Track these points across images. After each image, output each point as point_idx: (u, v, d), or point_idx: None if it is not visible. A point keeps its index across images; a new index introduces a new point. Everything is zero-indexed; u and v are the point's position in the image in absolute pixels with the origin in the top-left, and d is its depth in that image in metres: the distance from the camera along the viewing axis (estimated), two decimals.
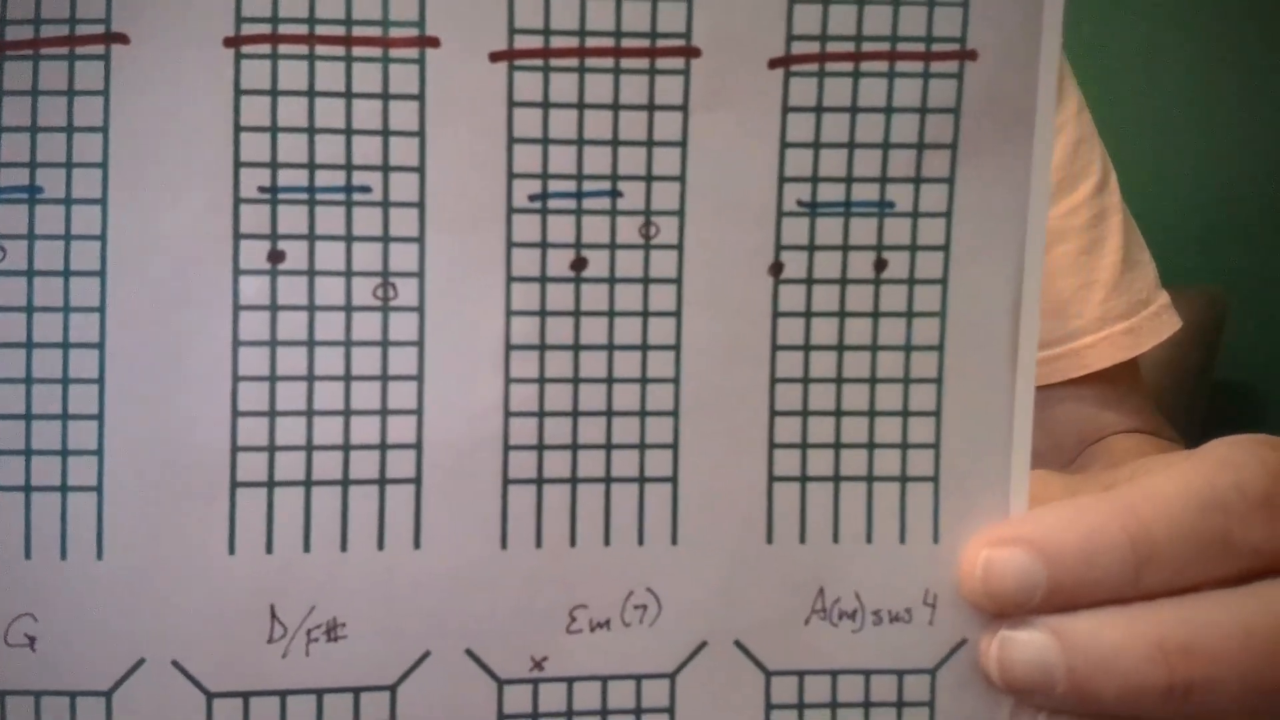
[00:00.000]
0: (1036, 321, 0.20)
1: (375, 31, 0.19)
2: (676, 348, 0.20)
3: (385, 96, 0.19)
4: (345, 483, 0.19)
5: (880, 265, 0.20)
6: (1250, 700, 0.18)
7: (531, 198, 0.19)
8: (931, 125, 0.20)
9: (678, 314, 0.20)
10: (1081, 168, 0.48)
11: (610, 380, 0.20)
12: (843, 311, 0.20)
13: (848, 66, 0.20)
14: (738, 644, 0.20)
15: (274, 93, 0.19)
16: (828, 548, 0.20)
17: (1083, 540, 0.19)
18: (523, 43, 0.19)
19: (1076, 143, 0.48)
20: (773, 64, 0.20)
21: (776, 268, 0.20)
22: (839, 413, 0.20)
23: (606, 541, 0.20)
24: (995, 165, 0.20)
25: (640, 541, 0.20)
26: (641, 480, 0.20)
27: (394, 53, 0.19)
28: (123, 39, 0.19)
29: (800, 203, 0.20)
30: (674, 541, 0.20)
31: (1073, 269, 0.47)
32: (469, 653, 0.19)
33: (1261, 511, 0.19)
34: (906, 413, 0.20)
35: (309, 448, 0.19)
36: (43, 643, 0.19)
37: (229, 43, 0.19)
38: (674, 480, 0.20)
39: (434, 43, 0.19)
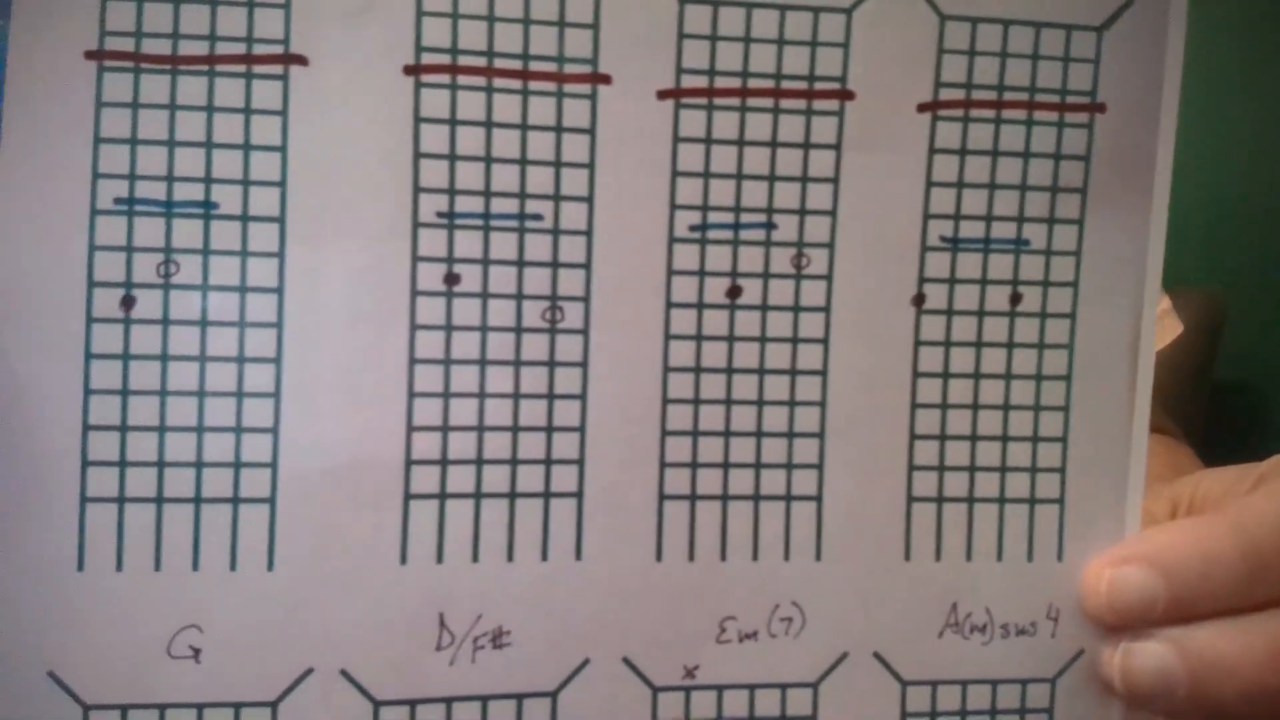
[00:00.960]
0: (1152, 355, 0.22)
1: (551, 66, 0.20)
2: (824, 373, 0.21)
3: (559, 129, 0.20)
4: (512, 496, 0.21)
5: (1015, 299, 0.22)
6: None
7: (691, 228, 0.21)
8: (1064, 171, 0.22)
9: (825, 341, 0.21)
10: None
11: (760, 402, 0.21)
12: (979, 341, 0.22)
13: (990, 114, 0.21)
14: (876, 655, 0.22)
15: (453, 122, 0.20)
16: (961, 565, 0.22)
17: (1199, 557, 0.21)
18: (689, 82, 0.20)
19: None
20: (921, 108, 0.21)
21: (919, 299, 0.22)
22: (974, 437, 0.22)
23: (755, 556, 0.21)
24: (1120, 209, 0.22)
25: (786, 557, 0.21)
26: (788, 498, 0.21)
27: (568, 88, 0.20)
28: (301, 60, 0.20)
29: (943, 238, 0.22)
30: (818, 557, 0.21)
31: None
32: (626, 661, 0.21)
33: None
34: (1036, 438, 0.22)
35: (479, 462, 0.20)
36: (208, 655, 0.20)
37: (409, 71, 0.20)
38: (819, 499, 0.21)
39: (606, 80, 0.20)
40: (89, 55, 0.19)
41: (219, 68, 0.20)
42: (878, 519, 0.22)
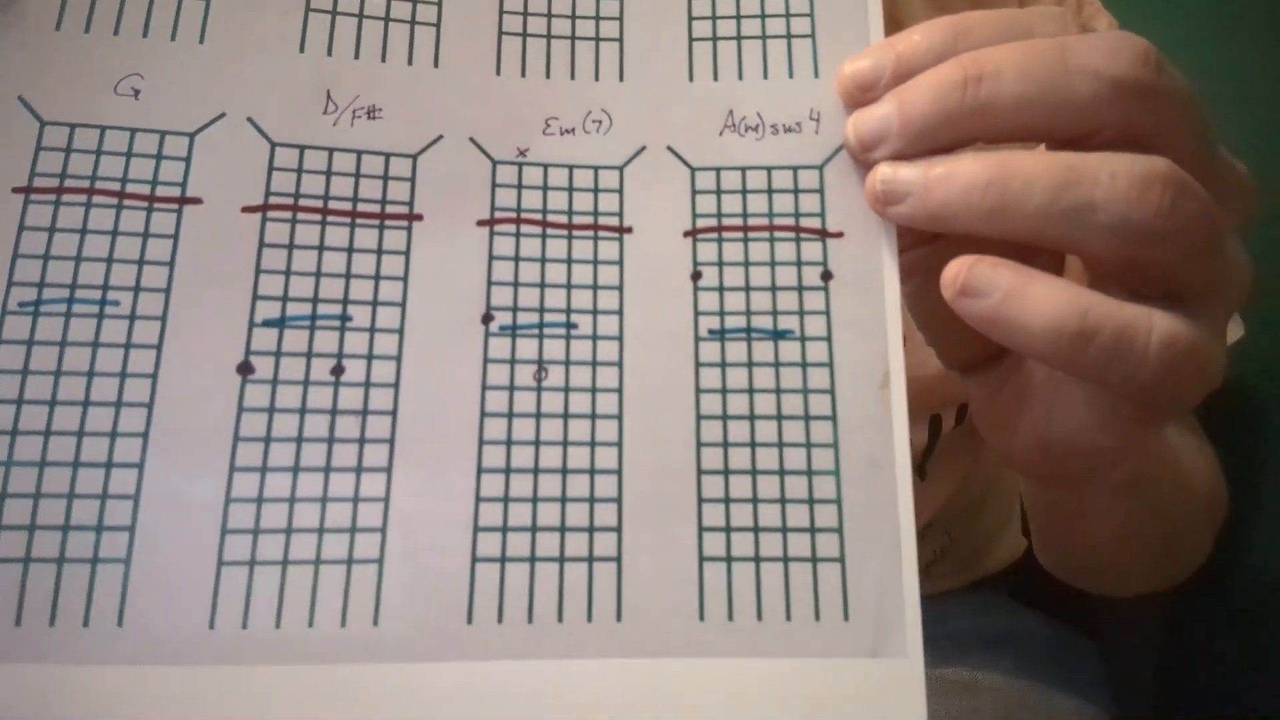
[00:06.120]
0: None
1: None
2: None
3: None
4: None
5: None
6: (1026, 88, 0.27)
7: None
8: None
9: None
10: None
11: None
12: None
13: None
14: (669, 148, 0.30)
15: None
16: (734, 83, 0.29)
17: (920, 33, 0.28)
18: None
19: None
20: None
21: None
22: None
23: (572, 76, 0.29)
24: None
25: (596, 78, 0.29)
26: (597, 40, 0.30)
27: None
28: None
29: None
30: (621, 79, 0.30)
31: None
32: (472, 139, 0.30)
33: (1057, 16, 0.28)
34: None
35: None
36: (145, 95, 0.28)
37: None
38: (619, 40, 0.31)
39: None
40: None
41: None
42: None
